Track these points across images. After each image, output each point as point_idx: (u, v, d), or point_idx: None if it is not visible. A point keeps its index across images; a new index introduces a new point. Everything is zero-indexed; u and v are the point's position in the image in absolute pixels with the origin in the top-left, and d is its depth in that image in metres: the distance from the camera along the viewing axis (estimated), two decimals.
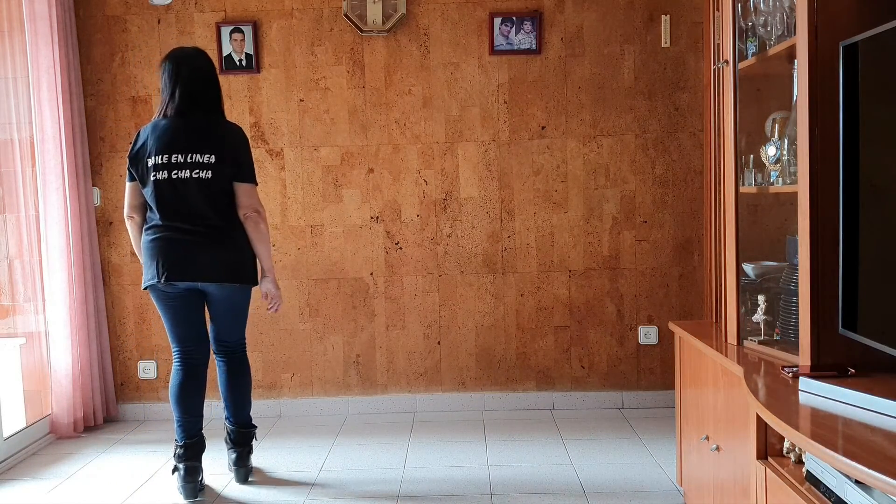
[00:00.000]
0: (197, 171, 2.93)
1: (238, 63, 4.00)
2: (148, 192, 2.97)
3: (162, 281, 2.94)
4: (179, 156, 2.93)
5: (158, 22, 4.03)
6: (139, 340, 4.16)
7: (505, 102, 4.04)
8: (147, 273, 3.00)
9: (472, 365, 4.15)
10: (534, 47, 3.99)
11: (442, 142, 4.05)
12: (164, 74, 3.02)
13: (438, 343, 4.14)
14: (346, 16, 3.96)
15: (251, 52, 4.00)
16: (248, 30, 3.99)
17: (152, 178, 2.93)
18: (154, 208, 2.96)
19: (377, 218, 4.09)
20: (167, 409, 4.15)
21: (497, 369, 4.15)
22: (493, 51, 4.00)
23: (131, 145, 3.01)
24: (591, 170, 4.06)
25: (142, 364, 4.16)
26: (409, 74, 4.03)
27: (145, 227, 3.01)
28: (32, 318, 3.95)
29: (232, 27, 3.99)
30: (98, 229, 4.08)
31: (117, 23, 4.04)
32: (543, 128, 4.05)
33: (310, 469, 3.39)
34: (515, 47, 3.99)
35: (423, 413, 4.14)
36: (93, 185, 4.06)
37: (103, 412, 4.06)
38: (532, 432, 3.78)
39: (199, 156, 2.94)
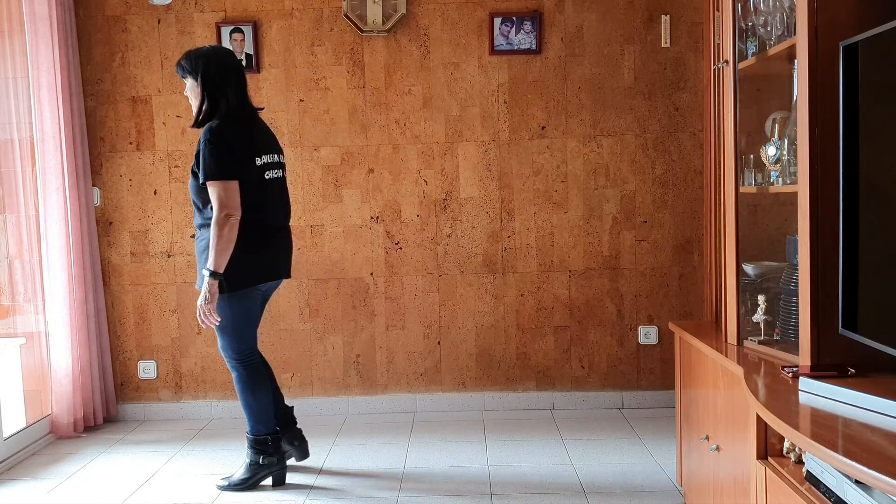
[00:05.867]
0: (278, 170, 3.11)
1: None
2: (255, 192, 2.96)
3: (274, 279, 3.10)
4: (274, 156, 3.09)
5: (158, 22, 4.03)
6: (139, 340, 4.16)
7: (505, 102, 4.04)
8: (255, 272, 3.01)
9: (472, 365, 4.15)
10: (534, 47, 3.99)
11: (442, 142, 4.05)
12: (212, 70, 2.94)
13: (438, 343, 4.14)
14: (346, 16, 3.96)
15: (251, 52, 4.00)
16: (248, 30, 3.99)
17: (267, 177, 3.02)
18: (262, 207, 2.99)
19: (377, 218, 4.09)
20: (167, 408, 4.15)
21: (497, 369, 4.15)
22: (493, 51, 4.00)
23: (223, 143, 2.88)
24: (591, 170, 4.06)
25: (142, 364, 4.16)
26: (409, 74, 4.03)
27: (250, 225, 2.93)
28: (32, 318, 3.95)
29: (232, 27, 3.99)
30: (98, 229, 4.08)
31: (117, 23, 4.04)
32: (543, 128, 4.05)
33: (310, 469, 3.38)
34: (515, 47, 3.99)
35: (423, 413, 4.14)
36: (93, 185, 4.06)
37: (103, 412, 4.06)
38: (532, 432, 3.78)
39: (278, 156, 3.12)
